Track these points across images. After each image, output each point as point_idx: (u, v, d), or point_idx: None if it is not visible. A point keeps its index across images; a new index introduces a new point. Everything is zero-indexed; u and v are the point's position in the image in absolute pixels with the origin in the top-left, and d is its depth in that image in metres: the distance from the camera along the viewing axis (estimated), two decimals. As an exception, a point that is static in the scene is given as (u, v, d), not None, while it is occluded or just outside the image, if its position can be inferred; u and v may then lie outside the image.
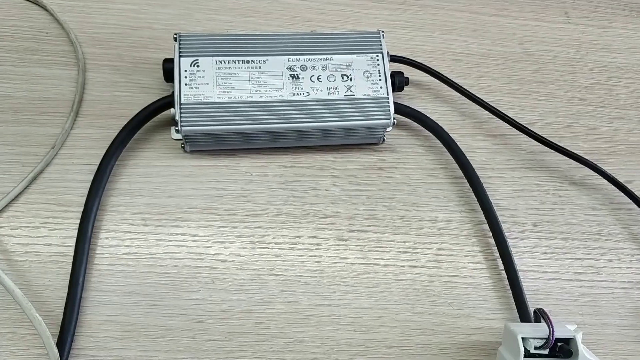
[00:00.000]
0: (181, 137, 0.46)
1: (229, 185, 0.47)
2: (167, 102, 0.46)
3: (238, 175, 0.48)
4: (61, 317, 0.40)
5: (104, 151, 0.46)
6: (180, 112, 0.43)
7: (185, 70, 0.45)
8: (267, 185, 0.48)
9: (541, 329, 0.38)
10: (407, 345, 0.43)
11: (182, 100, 0.44)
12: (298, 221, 0.46)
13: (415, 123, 0.50)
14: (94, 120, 0.48)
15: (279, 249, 0.45)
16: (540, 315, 0.40)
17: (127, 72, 0.50)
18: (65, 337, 0.39)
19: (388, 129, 0.47)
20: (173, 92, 0.45)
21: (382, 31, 0.49)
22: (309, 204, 0.47)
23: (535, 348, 0.37)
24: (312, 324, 0.43)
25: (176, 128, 0.43)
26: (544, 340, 0.37)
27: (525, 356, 0.37)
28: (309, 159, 0.49)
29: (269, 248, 0.45)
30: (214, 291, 0.43)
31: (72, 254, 0.42)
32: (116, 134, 0.46)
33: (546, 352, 0.37)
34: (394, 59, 0.50)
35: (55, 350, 0.38)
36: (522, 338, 0.37)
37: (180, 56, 0.45)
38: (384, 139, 0.49)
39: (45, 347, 0.38)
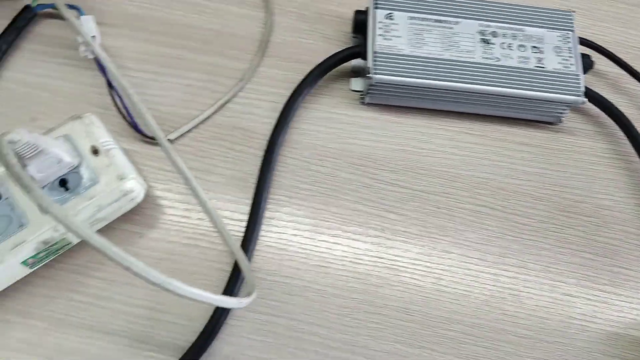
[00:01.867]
0: (361, 89, 0.47)
1: (403, 141, 0.47)
2: (354, 52, 0.47)
3: (411, 133, 0.48)
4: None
5: (286, 91, 0.47)
6: (374, 61, 0.44)
7: (380, 22, 0.45)
8: (440, 147, 0.47)
9: None
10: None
11: (376, 50, 0.44)
12: (467, 187, 0.46)
13: (593, 109, 0.49)
14: (279, 62, 0.49)
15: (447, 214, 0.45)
16: None
17: (312, 21, 0.51)
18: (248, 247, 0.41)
19: (577, 105, 0.46)
20: (359, 44, 0.46)
21: (574, 11, 0.48)
22: (479, 172, 0.47)
23: None
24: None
25: (368, 75, 0.44)
26: None
27: None
28: (483, 127, 0.49)
29: (438, 208, 0.45)
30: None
31: (255, 179, 0.44)
32: (302, 76, 0.47)
33: None
34: (581, 41, 0.49)
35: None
36: None
37: (375, 8, 0.46)
38: (561, 120, 0.48)
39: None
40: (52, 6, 0.47)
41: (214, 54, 0.49)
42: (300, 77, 0.48)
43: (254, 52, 0.49)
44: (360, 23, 0.46)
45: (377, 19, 0.45)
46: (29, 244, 0.36)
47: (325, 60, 0.47)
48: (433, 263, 0.44)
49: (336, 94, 0.49)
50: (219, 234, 0.40)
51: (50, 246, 0.37)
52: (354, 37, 0.50)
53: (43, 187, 0.37)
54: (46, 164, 0.36)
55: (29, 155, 0.34)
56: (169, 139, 0.44)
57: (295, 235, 0.43)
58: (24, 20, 0.46)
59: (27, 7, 0.47)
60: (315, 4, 0.52)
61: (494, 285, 0.43)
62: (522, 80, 0.45)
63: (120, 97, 0.43)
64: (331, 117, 0.48)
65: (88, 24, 0.44)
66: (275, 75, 0.49)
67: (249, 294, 0.35)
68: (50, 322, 0.40)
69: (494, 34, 0.46)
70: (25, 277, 0.39)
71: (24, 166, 0.34)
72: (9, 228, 0.36)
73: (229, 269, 0.41)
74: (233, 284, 0.40)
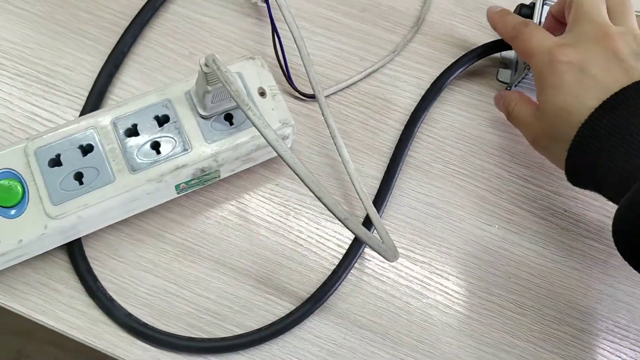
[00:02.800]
0: (507, 81, 0.48)
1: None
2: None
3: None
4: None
5: (433, 70, 0.48)
6: (536, 54, 0.44)
7: (546, 18, 0.45)
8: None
9: None
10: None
11: (539, 43, 0.44)
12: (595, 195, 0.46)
13: None
14: (431, 41, 0.50)
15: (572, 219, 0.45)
16: None
17: (469, 7, 0.52)
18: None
19: None
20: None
21: None
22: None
23: None
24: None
25: (526, 69, 0.44)
26: None
27: None
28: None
29: (564, 212, 0.45)
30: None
31: (390, 150, 0.45)
32: (450, 58, 0.48)
33: None
34: None
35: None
36: None
37: (544, 4, 0.46)
38: None
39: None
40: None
41: (370, 23, 0.50)
42: (449, 58, 0.48)
43: (408, 27, 0.50)
44: (523, 16, 0.46)
45: (544, 15, 0.45)
46: (188, 168, 0.38)
47: (480, 46, 0.47)
48: (553, 263, 0.44)
49: (482, 82, 0.49)
50: (359, 196, 0.41)
51: (204, 175, 0.39)
52: (509, 29, 0.50)
53: (211, 119, 0.38)
54: (221, 94, 0.37)
55: (213, 82, 0.35)
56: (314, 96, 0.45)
57: (419, 211, 0.44)
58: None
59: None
60: (474, -10, 0.52)
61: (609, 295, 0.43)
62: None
63: (282, 49, 0.45)
64: (473, 103, 0.48)
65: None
66: (425, 53, 0.49)
67: (392, 253, 0.36)
68: (182, 248, 0.42)
69: None
70: (167, 201, 0.40)
71: (205, 93, 0.36)
72: (173, 150, 0.38)
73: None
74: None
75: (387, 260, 0.36)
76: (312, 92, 0.43)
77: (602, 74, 0.36)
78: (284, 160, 0.32)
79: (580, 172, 0.37)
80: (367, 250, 0.43)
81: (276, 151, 0.32)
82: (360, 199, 0.41)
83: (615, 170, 0.34)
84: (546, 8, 0.45)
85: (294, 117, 0.42)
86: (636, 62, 0.36)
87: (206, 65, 0.33)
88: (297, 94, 0.46)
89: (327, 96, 0.47)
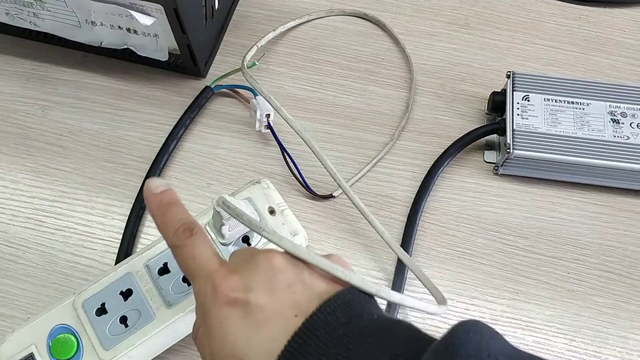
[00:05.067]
0: (494, 161, 0.52)
1: (534, 210, 0.52)
2: (492, 128, 0.52)
3: (542, 203, 0.52)
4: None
5: (424, 162, 0.53)
6: (513, 137, 0.49)
7: (518, 103, 0.50)
8: (569, 216, 0.51)
9: None
10: None
11: (515, 128, 0.49)
12: (595, 255, 0.50)
13: None
14: (418, 136, 0.55)
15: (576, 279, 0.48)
16: None
17: (448, 99, 0.57)
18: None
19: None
20: (497, 122, 0.51)
21: (697, 89, 0.52)
22: (606, 240, 0.50)
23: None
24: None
25: (508, 150, 0.49)
26: None
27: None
28: (609, 198, 0.52)
29: (567, 274, 0.49)
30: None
31: (398, 242, 0.49)
32: (438, 149, 0.53)
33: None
34: None
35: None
36: None
37: (513, 90, 0.51)
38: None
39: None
40: (228, 87, 0.55)
41: (360, 129, 0.55)
42: (437, 149, 0.53)
43: (395, 127, 0.55)
44: (497, 103, 0.52)
45: (515, 100, 0.50)
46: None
47: (466, 135, 0.52)
48: (564, 325, 0.47)
49: (471, 165, 0.54)
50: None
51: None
52: (487, 114, 0.55)
53: (230, 244, 0.43)
54: (235, 224, 0.42)
55: (226, 217, 0.40)
56: (332, 195, 0.51)
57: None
58: (204, 98, 0.54)
59: (207, 88, 0.55)
60: (450, 84, 0.58)
61: (623, 347, 0.46)
62: (652, 159, 0.48)
63: (294, 161, 0.50)
64: (466, 186, 0.53)
65: (264, 104, 0.51)
66: (415, 147, 0.54)
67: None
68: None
69: (623, 115, 0.50)
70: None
71: (221, 225, 0.41)
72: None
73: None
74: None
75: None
76: (326, 193, 0.49)
77: (270, 302, 0.28)
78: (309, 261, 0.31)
79: None
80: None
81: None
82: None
83: None
84: (517, 94, 0.50)
85: (312, 217, 0.48)
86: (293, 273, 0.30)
87: (218, 205, 0.38)
88: (313, 197, 0.51)
89: (334, 198, 0.51)
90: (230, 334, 0.28)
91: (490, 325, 0.25)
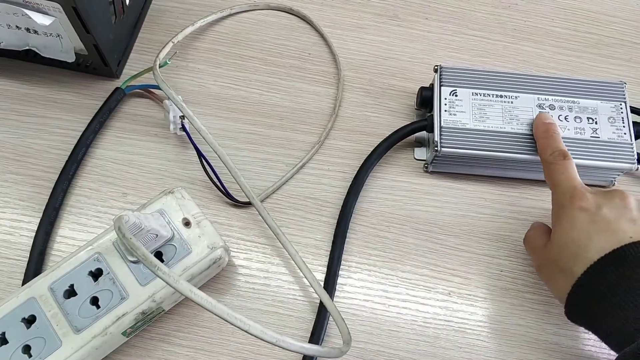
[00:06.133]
0: (424, 158, 0.50)
1: (465, 207, 0.50)
2: (421, 125, 0.50)
3: (473, 199, 0.51)
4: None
5: (354, 161, 0.51)
6: (441, 135, 0.47)
7: (445, 98, 0.49)
8: (501, 212, 0.50)
9: None
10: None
11: (442, 124, 0.48)
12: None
13: (645, 172, 0.52)
14: (347, 135, 0.53)
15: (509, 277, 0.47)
16: None
17: (377, 95, 0.55)
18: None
19: (630, 171, 0.49)
20: (425, 118, 0.50)
21: (625, 83, 0.51)
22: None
23: None
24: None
25: (435, 148, 0.47)
26: None
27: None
28: (541, 192, 0.51)
29: (501, 272, 0.48)
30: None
31: (328, 246, 0.48)
32: (368, 147, 0.51)
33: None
34: (632, 110, 0.51)
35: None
36: None
37: (441, 85, 0.49)
38: (614, 183, 0.51)
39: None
40: (141, 87, 0.51)
41: (289, 129, 0.53)
42: (367, 148, 0.51)
43: (324, 126, 0.53)
44: (425, 99, 0.50)
45: (443, 95, 0.49)
46: (129, 315, 0.39)
47: (393, 133, 0.50)
48: (498, 324, 0.46)
49: (400, 163, 0.52)
50: (312, 287, 0.43)
51: (147, 316, 0.41)
52: (416, 109, 0.54)
53: (140, 262, 0.40)
54: (146, 239, 0.39)
55: (133, 233, 0.37)
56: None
57: (366, 300, 0.46)
58: (115, 101, 0.51)
59: (117, 89, 0.51)
60: (379, 79, 0.56)
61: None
62: (577, 150, 0.47)
63: (211, 167, 0.47)
64: (397, 185, 0.51)
65: (178, 104, 0.48)
66: (344, 146, 0.52)
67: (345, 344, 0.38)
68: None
69: (551, 107, 0.49)
70: (120, 346, 0.42)
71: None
72: (111, 301, 0.39)
73: (307, 334, 0.44)
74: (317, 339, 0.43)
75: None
76: (247, 200, 0.47)
77: (614, 221, 0.39)
78: (205, 308, 0.32)
79: (581, 311, 0.40)
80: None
81: (196, 302, 0.32)
82: (320, 296, 0.43)
83: (618, 317, 0.37)
84: (445, 89, 0.49)
85: (237, 224, 0.46)
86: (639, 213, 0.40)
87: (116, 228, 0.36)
88: (235, 204, 0.49)
89: (262, 201, 0.49)
90: (577, 228, 0.40)
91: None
